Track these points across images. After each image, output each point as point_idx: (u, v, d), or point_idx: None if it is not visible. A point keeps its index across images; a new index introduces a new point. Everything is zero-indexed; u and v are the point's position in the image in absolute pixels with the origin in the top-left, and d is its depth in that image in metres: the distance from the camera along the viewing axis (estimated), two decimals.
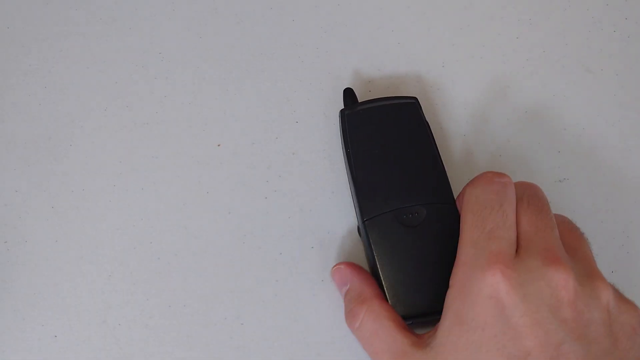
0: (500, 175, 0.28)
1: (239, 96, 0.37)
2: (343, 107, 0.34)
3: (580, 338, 0.23)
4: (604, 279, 0.25)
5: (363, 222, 0.30)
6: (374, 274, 0.30)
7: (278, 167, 0.35)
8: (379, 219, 0.30)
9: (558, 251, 0.25)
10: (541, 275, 0.24)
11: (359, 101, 0.34)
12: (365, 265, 0.32)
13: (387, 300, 0.28)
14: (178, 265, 0.33)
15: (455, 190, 0.31)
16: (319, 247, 0.33)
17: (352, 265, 0.30)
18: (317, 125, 0.36)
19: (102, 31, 0.39)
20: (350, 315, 0.29)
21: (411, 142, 0.32)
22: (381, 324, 0.27)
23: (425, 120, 0.33)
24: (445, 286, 0.26)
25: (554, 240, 0.26)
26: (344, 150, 0.32)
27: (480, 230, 0.26)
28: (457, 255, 0.26)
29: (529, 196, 0.27)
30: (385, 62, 0.38)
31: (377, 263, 0.29)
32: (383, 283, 0.29)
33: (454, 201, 0.30)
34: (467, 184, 0.29)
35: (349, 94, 0.34)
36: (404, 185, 0.30)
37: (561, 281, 0.24)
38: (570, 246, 0.27)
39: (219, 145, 0.36)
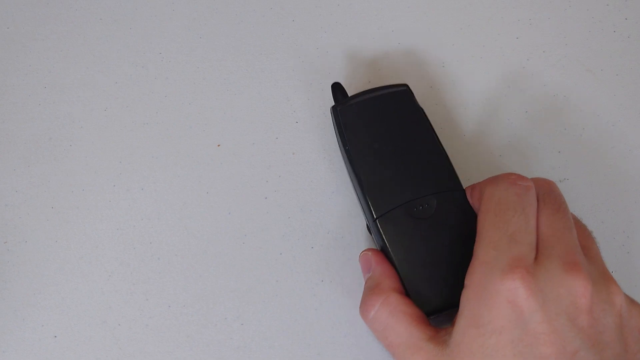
0: (523, 178, 0.27)
1: (239, 96, 0.37)
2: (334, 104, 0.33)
3: (595, 345, 0.23)
4: (616, 282, 0.25)
5: (374, 220, 0.29)
6: None
7: (278, 167, 0.35)
8: (391, 215, 0.29)
9: (577, 256, 0.25)
10: (561, 282, 0.24)
11: (349, 95, 0.33)
12: None
13: (408, 296, 0.28)
14: (178, 265, 0.33)
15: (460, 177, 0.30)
16: (319, 247, 0.33)
17: (378, 255, 0.30)
18: (317, 125, 0.36)
19: (102, 31, 0.39)
20: (364, 305, 0.28)
21: (409, 131, 0.31)
22: (397, 318, 0.27)
23: (420, 106, 0.32)
24: (463, 278, 0.26)
25: (573, 244, 0.25)
26: (342, 148, 0.32)
27: (502, 232, 0.25)
28: (474, 253, 0.26)
29: (545, 194, 0.27)
30: (385, 62, 0.38)
31: (395, 261, 0.28)
32: (403, 281, 0.28)
33: (462, 187, 0.30)
34: (487, 181, 0.28)
35: (337, 88, 0.33)
36: (410, 177, 0.30)
37: (580, 288, 0.24)
38: (583, 245, 0.27)
39: (219, 145, 0.36)
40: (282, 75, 0.38)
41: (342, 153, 0.33)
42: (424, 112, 0.32)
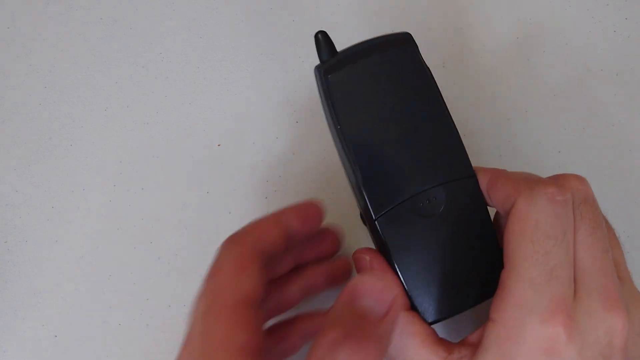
0: (562, 191, 0.23)
1: (239, 96, 0.37)
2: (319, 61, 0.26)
3: None
4: None
5: (374, 220, 0.25)
6: None
7: (278, 167, 0.35)
8: (393, 213, 0.25)
9: (616, 289, 0.23)
10: (601, 321, 0.22)
11: (337, 50, 0.27)
12: None
13: (411, 305, 0.25)
14: (178, 265, 0.33)
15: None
16: None
17: (377, 258, 0.26)
18: (317, 125, 0.36)
19: (102, 31, 0.39)
20: None
21: (413, 101, 0.25)
22: (406, 343, 0.24)
23: (426, 65, 0.26)
24: (475, 281, 0.24)
25: (611, 272, 0.24)
26: (331, 121, 0.26)
27: (542, 268, 0.22)
28: (505, 286, 0.23)
29: (581, 204, 0.24)
30: None
31: (398, 267, 0.25)
32: (406, 288, 0.25)
33: (473, 172, 0.25)
34: (519, 190, 0.24)
35: (324, 40, 0.26)
36: (415, 164, 0.25)
37: (619, 326, 0.23)
38: (616, 262, 0.25)
39: (219, 145, 0.36)
40: (282, 75, 0.38)
41: (329, 123, 0.27)
42: (431, 74, 0.26)
